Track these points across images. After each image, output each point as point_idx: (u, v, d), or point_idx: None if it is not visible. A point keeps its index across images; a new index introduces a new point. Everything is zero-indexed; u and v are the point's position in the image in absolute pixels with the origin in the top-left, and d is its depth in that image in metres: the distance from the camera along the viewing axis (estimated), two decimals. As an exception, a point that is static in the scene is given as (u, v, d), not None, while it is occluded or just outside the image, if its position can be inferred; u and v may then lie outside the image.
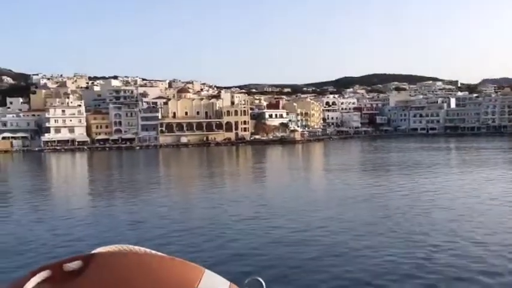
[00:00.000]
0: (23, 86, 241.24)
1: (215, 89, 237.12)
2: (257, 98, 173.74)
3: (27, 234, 21.19)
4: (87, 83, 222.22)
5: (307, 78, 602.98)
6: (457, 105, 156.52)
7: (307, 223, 21.55)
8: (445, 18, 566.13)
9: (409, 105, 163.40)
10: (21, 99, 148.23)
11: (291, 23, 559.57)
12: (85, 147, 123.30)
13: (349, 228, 20.21)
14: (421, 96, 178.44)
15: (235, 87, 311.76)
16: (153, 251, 1.03)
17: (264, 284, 0.91)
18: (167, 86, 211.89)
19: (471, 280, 13.54)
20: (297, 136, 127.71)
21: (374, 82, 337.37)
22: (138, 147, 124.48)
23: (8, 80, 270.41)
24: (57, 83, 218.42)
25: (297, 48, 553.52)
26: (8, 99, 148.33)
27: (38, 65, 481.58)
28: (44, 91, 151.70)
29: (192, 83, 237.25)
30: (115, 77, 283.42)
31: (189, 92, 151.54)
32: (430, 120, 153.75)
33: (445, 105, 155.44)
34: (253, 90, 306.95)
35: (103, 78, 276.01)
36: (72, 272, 1.00)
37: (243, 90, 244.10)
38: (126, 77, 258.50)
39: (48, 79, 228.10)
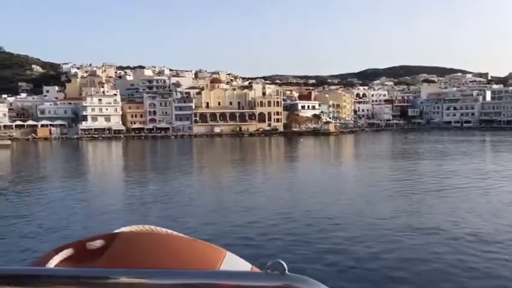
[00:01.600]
0: (54, 74, 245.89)
1: (240, 79, 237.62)
2: (288, 89, 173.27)
3: (64, 213, 22.49)
4: (115, 72, 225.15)
5: (330, 70, 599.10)
6: (492, 98, 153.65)
7: (338, 212, 21.20)
8: (470, 11, 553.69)
9: (442, 98, 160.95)
10: (57, 88, 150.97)
11: (311, 16, 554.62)
12: (121, 135, 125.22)
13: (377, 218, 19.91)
14: (454, 89, 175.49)
15: (260, 78, 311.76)
16: (175, 232, 1.02)
17: (286, 266, 0.92)
18: (193, 76, 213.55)
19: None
20: (331, 128, 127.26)
21: (400, 74, 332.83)
22: (173, 137, 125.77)
23: (37, 68, 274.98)
24: (86, 72, 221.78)
25: (319, 40, 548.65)
26: (45, 88, 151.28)
27: (64, 54, 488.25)
28: (79, 80, 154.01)
29: (218, 73, 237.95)
30: (141, 67, 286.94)
31: (221, 82, 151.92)
32: (465, 113, 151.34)
33: (480, 98, 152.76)
34: (278, 81, 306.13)
35: (128, 68, 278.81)
36: (95, 251, 1.00)
37: (268, 81, 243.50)
38: (153, 66, 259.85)
39: (78, 68, 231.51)
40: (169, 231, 1.01)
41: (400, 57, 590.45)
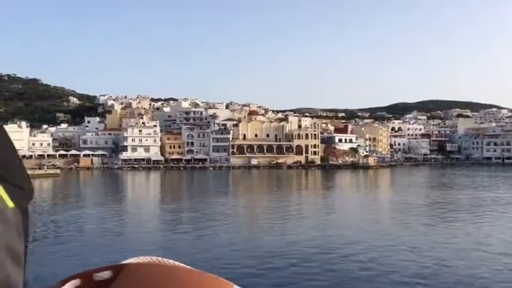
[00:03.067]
0: (90, 106, 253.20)
1: (271, 112, 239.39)
2: (324, 122, 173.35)
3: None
4: (150, 104, 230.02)
5: (358, 103, 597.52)
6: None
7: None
8: (501, 44, 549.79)
9: (481, 133, 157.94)
10: (97, 119, 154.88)
11: (339, 48, 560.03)
12: (161, 166, 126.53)
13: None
14: (494, 124, 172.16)
15: (289, 110, 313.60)
16: (182, 264, 1.03)
17: None
18: (224, 108, 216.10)
19: None
20: (371, 161, 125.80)
21: (430, 108, 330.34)
22: (211, 168, 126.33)
23: (74, 100, 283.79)
24: (122, 103, 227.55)
25: (345, 73, 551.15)
26: (86, 119, 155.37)
27: (98, 86, 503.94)
28: (119, 111, 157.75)
29: (248, 105, 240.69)
30: (173, 99, 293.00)
31: (258, 114, 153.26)
32: (506, 149, 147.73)
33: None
34: (307, 114, 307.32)
35: (160, 100, 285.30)
36: (102, 282, 0.98)
37: (298, 114, 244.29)
38: (185, 99, 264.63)
39: (114, 100, 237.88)
40: (177, 263, 1.00)
41: (430, 91, 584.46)
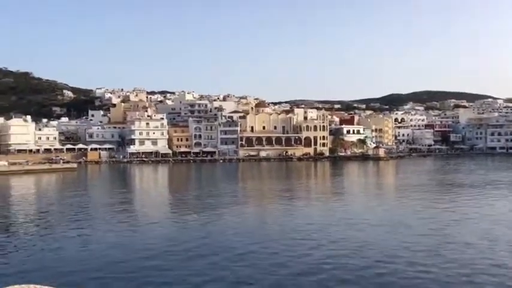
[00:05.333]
0: (86, 99, 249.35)
1: (269, 104, 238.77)
2: (329, 113, 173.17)
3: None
4: (147, 97, 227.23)
5: (351, 95, 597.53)
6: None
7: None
8: (486, 34, 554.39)
9: (485, 123, 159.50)
10: (101, 112, 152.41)
11: (329, 39, 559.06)
12: (170, 159, 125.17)
13: None
14: (496, 114, 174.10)
15: (283, 102, 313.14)
16: None
17: None
18: (222, 101, 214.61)
19: None
20: (381, 153, 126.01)
21: (424, 99, 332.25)
22: (221, 160, 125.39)
23: (68, 93, 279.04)
24: (119, 96, 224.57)
25: (337, 65, 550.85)
26: (90, 112, 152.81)
27: (90, 80, 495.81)
28: (123, 104, 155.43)
29: (246, 98, 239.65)
30: (165, 92, 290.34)
31: (266, 106, 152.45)
32: (510, 139, 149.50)
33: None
34: (303, 106, 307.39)
35: (153, 93, 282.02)
36: None
37: (300, 106, 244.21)
38: (182, 91, 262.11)
39: (111, 93, 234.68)
40: None
41: (422, 82, 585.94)
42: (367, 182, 62.93)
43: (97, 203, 40.56)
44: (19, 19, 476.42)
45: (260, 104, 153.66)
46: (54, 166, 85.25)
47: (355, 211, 32.56)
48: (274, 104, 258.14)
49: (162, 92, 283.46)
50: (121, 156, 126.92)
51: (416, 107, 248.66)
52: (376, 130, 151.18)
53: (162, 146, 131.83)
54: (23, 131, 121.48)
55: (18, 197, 47.17)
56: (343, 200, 41.21)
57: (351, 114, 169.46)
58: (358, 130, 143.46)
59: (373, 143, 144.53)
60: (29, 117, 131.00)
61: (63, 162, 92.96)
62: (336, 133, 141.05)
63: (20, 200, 42.92)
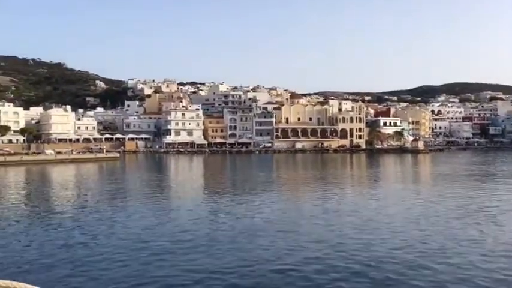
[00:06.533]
0: (118, 90, 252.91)
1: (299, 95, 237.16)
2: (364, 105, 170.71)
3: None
4: (178, 88, 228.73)
5: (380, 87, 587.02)
6: None
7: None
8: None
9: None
10: (137, 102, 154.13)
11: (361, 29, 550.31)
12: (206, 150, 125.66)
13: None
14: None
15: (312, 94, 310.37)
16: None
17: None
18: (251, 91, 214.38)
19: None
20: (420, 146, 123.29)
21: (456, 91, 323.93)
22: (257, 152, 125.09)
23: (100, 84, 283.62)
24: (151, 87, 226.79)
25: (368, 56, 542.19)
26: (126, 103, 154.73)
27: (121, 70, 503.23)
28: (158, 95, 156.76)
29: (275, 89, 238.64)
30: (193, 83, 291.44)
31: (301, 97, 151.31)
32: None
33: None
34: (332, 98, 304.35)
35: (182, 84, 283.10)
36: None
37: (330, 97, 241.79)
38: (212, 82, 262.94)
39: (143, 84, 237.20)
40: (29, 286, 0.95)
41: (454, 73, 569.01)
42: (424, 173, 61.27)
43: (156, 186, 40.69)
44: (48, 11, 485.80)
45: (295, 95, 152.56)
46: (98, 155, 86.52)
47: (431, 203, 31.45)
48: (303, 95, 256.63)
49: (192, 83, 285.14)
50: (157, 146, 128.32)
51: (451, 99, 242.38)
52: (412, 122, 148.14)
53: (197, 137, 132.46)
54: (63, 121, 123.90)
55: (81, 182, 48.31)
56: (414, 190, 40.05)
57: (386, 106, 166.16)
58: (395, 122, 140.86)
59: (410, 135, 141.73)
60: (68, 107, 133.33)
61: (106, 152, 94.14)
62: (372, 125, 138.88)
63: (88, 186, 43.50)
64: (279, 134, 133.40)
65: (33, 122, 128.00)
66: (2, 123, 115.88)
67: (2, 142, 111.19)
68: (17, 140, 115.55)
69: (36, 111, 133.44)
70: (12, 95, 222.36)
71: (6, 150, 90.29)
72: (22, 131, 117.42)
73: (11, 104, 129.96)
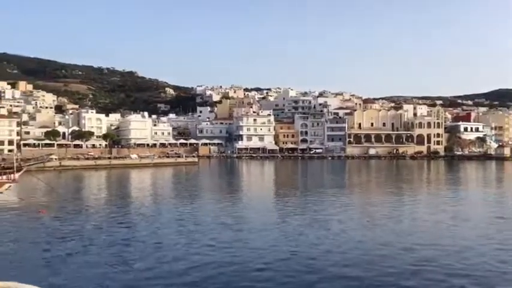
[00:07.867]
0: (188, 96, 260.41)
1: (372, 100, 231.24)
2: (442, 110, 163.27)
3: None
4: (244, 94, 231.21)
5: (451, 91, 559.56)
6: None
7: None
8: None
9: None
10: (209, 108, 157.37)
11: (427, 32, 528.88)
12: (278, 155, 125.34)
13: None
14: None
15: (379, 99, 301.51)
16: None
17: None
18: (317, 96, 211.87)
19: None
20: (507, 152, 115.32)
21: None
22: (329, 157, 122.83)
23: (170, 91, 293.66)
24: (219, 94, 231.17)
25: (434, 56, 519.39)
26: (198, 108, 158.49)
27: (188, 78, 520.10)
28: (228, 101, 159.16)
29: (342, 94, 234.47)
30: (259, 89, 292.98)
31: (374, 103, 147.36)
32: None
33: None
34: (402, 102, 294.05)
35: (247, 89, 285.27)
36: None
37: (399, 102, 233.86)
38: (278, 88, 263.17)
39: (211, 90, 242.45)
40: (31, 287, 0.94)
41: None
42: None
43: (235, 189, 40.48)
44: (120, 21, 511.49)
45: (368, 100, 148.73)
46: (178, 160, 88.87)
47: None
48: (374, 100, 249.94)
49: (257, 89, 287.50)
50: (229, 152, 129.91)
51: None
52: (495, 128, 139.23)
53: (268, 142, 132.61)
54: (141, 127, 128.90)
55: (176, 184, 49.56)
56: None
57: (465, 110, 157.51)
58: (477, 128, 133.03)
59: (493, 141, 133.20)
60: (146, 114, 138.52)
61: (186, 157, 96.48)
62: (451, 130, 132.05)
63: (182, 187, 44.37)
64: (351, 139, 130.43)
65: (112, 127, 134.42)
66: (86, 129, 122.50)
67: (86, 147, 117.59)
68: (100, 144, 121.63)
69: (114, 117, 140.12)
70: (90, 102, 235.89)
71: (91, 155, 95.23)
72: (104, 136, 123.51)
73: (94, 111, 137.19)
